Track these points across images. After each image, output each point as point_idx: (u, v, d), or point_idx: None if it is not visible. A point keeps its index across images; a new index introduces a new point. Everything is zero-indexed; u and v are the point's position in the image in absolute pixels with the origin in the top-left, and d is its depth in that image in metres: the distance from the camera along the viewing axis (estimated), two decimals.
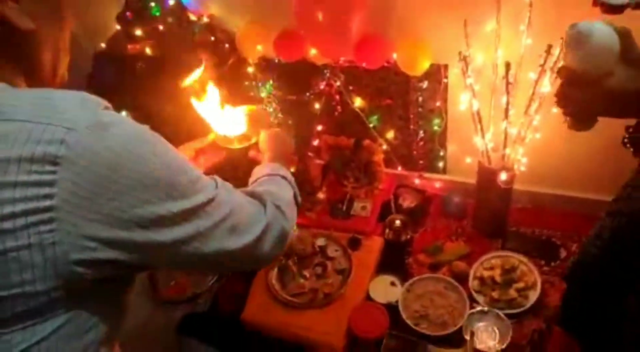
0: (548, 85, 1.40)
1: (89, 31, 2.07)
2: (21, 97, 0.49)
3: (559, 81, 0.71)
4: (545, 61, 1.33)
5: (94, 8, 2.00)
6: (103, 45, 1.89)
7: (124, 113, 1.96)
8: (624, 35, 0.64)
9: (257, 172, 0.96)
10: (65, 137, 0.45)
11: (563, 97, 0.69)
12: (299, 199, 0.94)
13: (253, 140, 1.16)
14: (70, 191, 0.46)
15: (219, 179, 0.67)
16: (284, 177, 0.93)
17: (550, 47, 1.32)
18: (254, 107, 1.20)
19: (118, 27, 1.78)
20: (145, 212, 0.51)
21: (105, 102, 0.54)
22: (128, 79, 1.79)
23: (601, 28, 0.64)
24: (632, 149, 0.94)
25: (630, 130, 0.95)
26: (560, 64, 0.73)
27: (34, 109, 0.47)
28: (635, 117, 0.70)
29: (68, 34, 0.61)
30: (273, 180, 0.91)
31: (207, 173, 0.66)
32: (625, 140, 0.96)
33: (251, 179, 0.96)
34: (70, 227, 0.46)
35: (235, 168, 1.58)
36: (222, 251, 0.62)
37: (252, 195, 0.77)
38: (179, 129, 1.83)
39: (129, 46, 1.76)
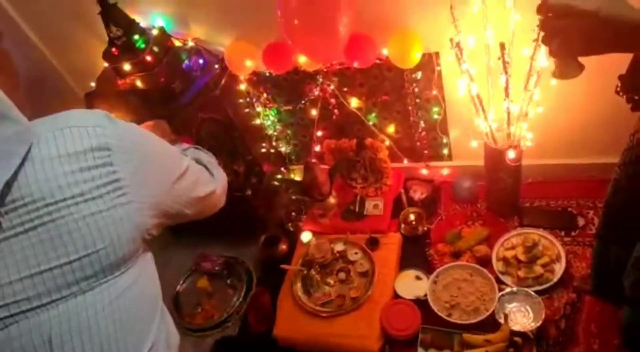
0: (544, 59, 1.39)
1: (77, 72, 2.07)
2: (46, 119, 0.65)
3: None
4: (538, 35, 1.33)
5: (78, 48, 2.00)
6: (93, 84, 1.89)
7: None
8: None
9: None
10: (104, 132, 0.63)
11: (549, 31, 0.66)
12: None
13: None
14: (124, 167, 0.63)
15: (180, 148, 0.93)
16: (196, 148, 1.07)
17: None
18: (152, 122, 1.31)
19: (106, 64, 1.78)
20: (169, 174, 0.74)
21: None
22: (122, 114, 1.79)
23: None
24: (624, 97, 0.94)
25: (621, 76, 0.95)
26: None
27: (65, 121, 0.64)
28: (620, 49, 0.67)
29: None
30: (190, 151, 1.04)
31: None
32: (618, 88, 0.96)
33: None
34: (134, 190, 0.64)
35: None
36: (202, 196, 0.84)
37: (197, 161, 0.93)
38: None
39: (119, 82, 1.75)
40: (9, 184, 0.55)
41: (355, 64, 1.68)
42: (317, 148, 2.11)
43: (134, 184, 0.64)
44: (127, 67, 1.69)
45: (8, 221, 0.56)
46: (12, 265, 0.56)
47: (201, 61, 1.78)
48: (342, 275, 1.82)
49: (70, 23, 1.92)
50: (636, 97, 0.93)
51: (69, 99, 2.06)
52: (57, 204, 0.57)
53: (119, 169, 0.62)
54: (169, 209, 0.73)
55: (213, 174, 0.94)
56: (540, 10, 0.66)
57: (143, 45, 1.68)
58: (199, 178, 0.85)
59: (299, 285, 1.83)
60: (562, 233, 1.79)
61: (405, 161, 2.06)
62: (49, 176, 0.57)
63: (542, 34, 0.68)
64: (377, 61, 1.69)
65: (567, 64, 0.71)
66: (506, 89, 1.44)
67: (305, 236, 1.97)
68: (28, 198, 0.56)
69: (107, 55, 1.71)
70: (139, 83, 1.73)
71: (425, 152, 2.01)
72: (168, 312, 0.78)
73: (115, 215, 0.61)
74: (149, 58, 1.68)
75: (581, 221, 1.81)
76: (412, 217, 1.96)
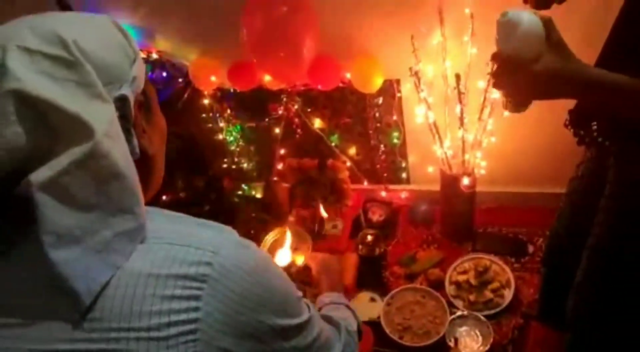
0: (497, 92, 1.46)
1: None
2: (166, 221, 0.58)
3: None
4: (492, 69, 1.39)
5: None
6: None
7: None
8: (547, 21, 0.71)
9: (321, 300, 1.02)
10: (211, 260, 0.52)
11: (498, 81, 0.73)
12: (361, 328, 0.97)
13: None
14: (213, 305, 0.52)
15: (307, 300, 0.72)
16: (347, 307, 0.98)
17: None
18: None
19: None
20: (270, 326, 0.57)
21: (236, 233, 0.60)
22: None
23: (528, 15, 0.71)
24: (572, 131, 1.00)
25: (570, 111, 1.01)
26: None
27: (180, 234, 0.55)
28: (569, 97, 0.74)
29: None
30: (339, 308, 0.96)
31: None
32: (567, 122, 1.02)
33: (317, 306, 1.00)
34: (210, 338, 0.52)
35: None
36: None
37: (329, 320, 0.81)
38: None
39: None
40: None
41: (319, 86, 1.71)
42: (280, 166, 2.11)
43: (213, 331, 0.52)
44: None
45: (82, 332, 0.48)
46: None
47: (164, 74, 1.77)
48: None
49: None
50: (582, 132, 0.99)
51: None
52: (123, 332, 0.48)
53: (205, 307, 0.51)
54: None
55: (354, 339, 0.83)
56: (493, 58, 0.71)
57: None
58: (324, 342, 0.70)
59: None
60: (513, 259, 1.85)
61: (365, 183, 2.09)
62: (128, 293, 0.49)
63: (492, 80, 0.73)
64: (341, 84, 1.72)
65: (517, 103, 0.76)
66: (461, 118, 1.49)
67: None
68: (105, 313, 0.49)
69: None
70: None
71: (385, 175, 2.05)
72: None
73: None
74: None
75: (531, 248, 1.87)
76: (369, 238, 1.98)
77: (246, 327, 0.55)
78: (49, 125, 0.46)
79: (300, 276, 1.32)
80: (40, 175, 0.44)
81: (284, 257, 1.41)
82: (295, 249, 1.46)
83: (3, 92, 0.45)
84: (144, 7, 1.72)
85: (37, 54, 0.47)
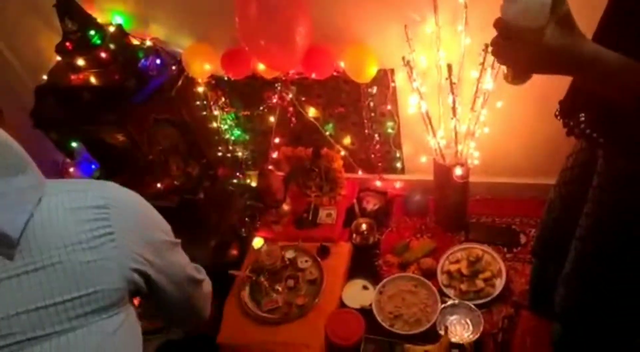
0: (490, 82, 1.46)
1: (29, 64, 2.00)
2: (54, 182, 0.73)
3: (501, 77, 0.74)
4: (484, 59, 1.39)
5: (32, 40, 1.94)
6: (45, 77, 1.83)
7: (74, 144, 1.91)
8: None
9: None
10: (107, 195, 0.71)
11: (497, 49, 0.71)
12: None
13: None
14: (119, 224, 0.70)
15: None
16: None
17: (487, 46, 1.37)
18: None
19: (59, 58, 1.73)
20: (162, 240, 0.79)
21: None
22: (74, 110, 1.74)
23: None
24: (562, 121, 0.99)
25: (561, 101, 1.01)
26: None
27: (77, 184, 0.74)
28: (565, 74, 0.71)
29: None
30: None
31: None
32: (557, 112, 1.01)
33: None
34: (124, 245, 0.70)
35: None
36: (193, 279, 0.89)
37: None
38: (130, 156, 1.80)
39: (72, 77, 1.70)
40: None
41: (313, 75, 1.70)
42: (274, 155, 2.11)
43: (127, 241, 0.70)
44: (80, 62, 1.65)
45: (20, 259, 0.63)
46: (14, 301, 0.62)
47: (158, 61, 1.76)
48: (290, 282, 1.83)
49: (24, 13, 1.87)
50: (571, 123, 0.99)
51: (19, 91, 1.99)
52: (60, 249, 0.64)
53: (114, 224, 0.69)
54: (157, 276, 0.77)
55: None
56: (496, 24, 0.69)
57: (99, 41, 1.65)
58: (190, 262, 0.90)
59: (246, 292, 1.82)
60: (505, 249, 1.86)
61: (360, 172, 2.09)
62: (54, 224, 0.65)
63: (491, 48, 0.71)
64: (335, 73, 1.72)
65: (516, 73, 0.74)
66: (453, 108, 1.49)
67: (257, 242, 1.97)
68: (38, 241, 0.64)
69: (60, 49, 1.67)
70: (92, 79, 1.69)
71: (380, 164, 2.05)
72: None
73: (107, 265, 0.67)
74: (103, 55, 1.64)
75: (523, 239, 1.88)
76: (363, 227, 1.99)
77: (148, 239, 0.74)
78: None
79: None
80: None
81: None
82: None
83: None
84: None
85: None
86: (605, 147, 0.91)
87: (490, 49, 0.74)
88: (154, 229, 0.78)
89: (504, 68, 0.77)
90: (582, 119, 0.92)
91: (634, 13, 0.77)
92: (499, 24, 0.69)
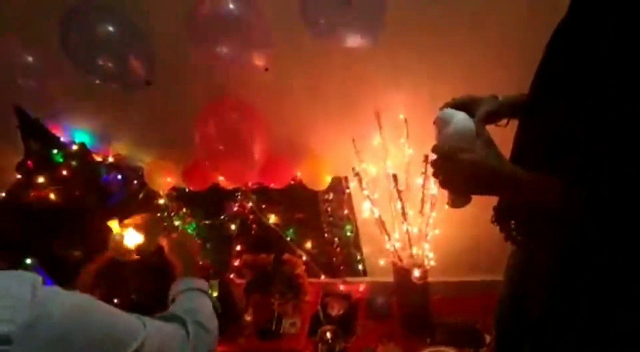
0: (435, 188, 1.55)
1: None
2: None
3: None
4: (425, 169, 1.50)
5: None
6: (3, 194, 1.83)
7: (28, 261, 1.86)
8: (478, 123, 0.81)
9: (173, 290, 1.02)
10: (12, 317, 0.50)
11: (437, 170, 0.80)
12: (218, 304, 1.01)
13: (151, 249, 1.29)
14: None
15: (143, 318, 0.74)
16: (198, 289, 0.99)
17: (427, 156, 1.50)
18: (145, 215, 1.27)
19: (19, 176, 1.76)
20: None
21: (38, 277, 0.58)
22: (33, 226, 1.73)
23: (460, 114, 0.82)
24: (498, 226, 1.06)
25: (494, 207, 1.08)
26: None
27: None
28: (491, 192, 0.80)
29: None
30: (188, 296, 0.98)
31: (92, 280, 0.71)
32: (492, 219, 1.09)
33: (170, 298, 1.01)
34: None
35: (126, 279, 1.60)
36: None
37: (173, 319, 0.84)
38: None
39: (32, 193, 1.72)
40: None
41: (272, 184, 1.78)
42: (236, 263, 2.10)
43: None
44: (41, 180, 1.68)
45: None
46: None
47: (120, 177, 1.81)
48: None
49: None
50: (505, 228, 1.06)
51: None
52: None
53: None
54: None
55: (208, 329, 0.88)
56: (434, 149, 0.80)
57: (61, 160, 1.70)
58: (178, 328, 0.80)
59: None
60: (472, 350, 1.83)
61: (322, 277, 2.09)
62: None
63: (432, 170, 0.80)
64: (292, 182, 1.80)
65: (457, 196, 0.82)
66: (403, 213, 1.57)
67: None
68: None
69: (20, 167, 1.70)
70: (52, 196, 1.71)
71: (342, 268, 2.07)
72: None
73: None
74: (65, 172, 1.69)
75: (487, 338, 1.87)
76: (328, 335, 1.94)
77: None
78: None
79: (155, 259, 1.31)
80: None
81: (132, 237, 1.38)
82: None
83: None
84: (104, 113, 1.80)
85: None
86: (534, 252, 0.98)
87: (430, 171, 0.84)
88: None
89: (448, 195, 0.86)
90: (513, 225, 0.99)
91: (530, 136, 0.89)
92: (436, 149, 0.79)
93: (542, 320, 1.06)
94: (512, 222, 0.99)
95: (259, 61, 1.40)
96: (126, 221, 1.43)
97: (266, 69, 1.40)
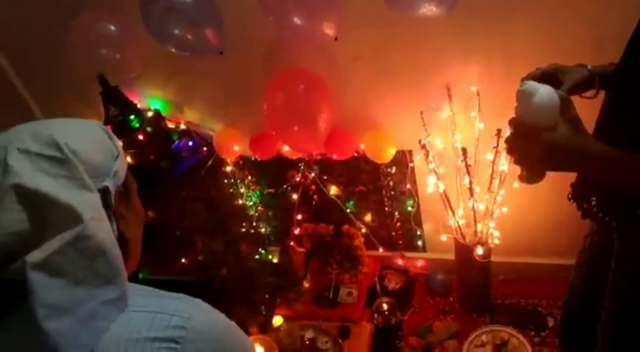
0: (505, 164, 1.50)
1: None
2: (144, 294, 0.65)
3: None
4: (497, 143, 1.45)
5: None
6: None
7: None
8: (564, 98, 0.74)
9: None
10: (185, 324, 0.60)
11: (511, 146, 0.75)
12: None
13: None
14: None
15: None
16: None
17: (499, 131, 1.44)
18: None
19: None
20: None
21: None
22: None
23: (544, 88, 0.74)
24: (575, 203, 1.01)
25: (572, 184, 1.03)
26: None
27: (156, 303, 0.63)
28: (574, 170, 0.75)
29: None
30: None
31: None
32: (569, 195, 1.03)
33: None
34: None
35: None
36: None
37: None
38: (157, 232, 1.87)
39: None
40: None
41: (335, 156, 1.79)
42: (297, 231, 2.15)
43: None
44: (119, 143, 1.78)
45: None
46: None
47: (190, 143, 1.89)
48: None
49: (72, 99, 2.05)
50: (585, 205, 1.01)
51: None
52: None
53: None
54: None
55: None
56: (511, 122, 0.75)
57: (137, 125, 1.79)
58: None
59: None
60: (533, 333, 1.79)
61: (381, 250, 2.10)
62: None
63: (506, 146, 0.77)
64: (355, 154, 1.80)
65: (531, 172, 0.79)
66: (470, 189, 1.53)
67: (277, 321, 1.96)
68: None
69: None
70: (128, 159, 1.81)
71: (400, 242, 2.06)
72: None
73: None
74: (140, 137, 1.78)
75: (551, 322, 1.82)
76: (385, 307, 1.97)
77: None
78: (43, 214, 0.53)
79: None
80: (34, 256, 0.51)
81: None
82: None
83: (5, 187, 0.53)
84: (174, 83, 1.87)
85: (34, 154, 0.56)
86: (617, 230, 0.92)
87: (505, 146, 0.79)
88: None
89: (520, 170, 0.81)
90: (594, 202, 0.94)
91: (624, 112, 0.83)
92: (513, 122, 0.75)
93: (618, 309, 1.02)
94: (593, 198, 0.94)
95: (329, 31, 1.39)
96: None
97: (336, 39, 1.39)
